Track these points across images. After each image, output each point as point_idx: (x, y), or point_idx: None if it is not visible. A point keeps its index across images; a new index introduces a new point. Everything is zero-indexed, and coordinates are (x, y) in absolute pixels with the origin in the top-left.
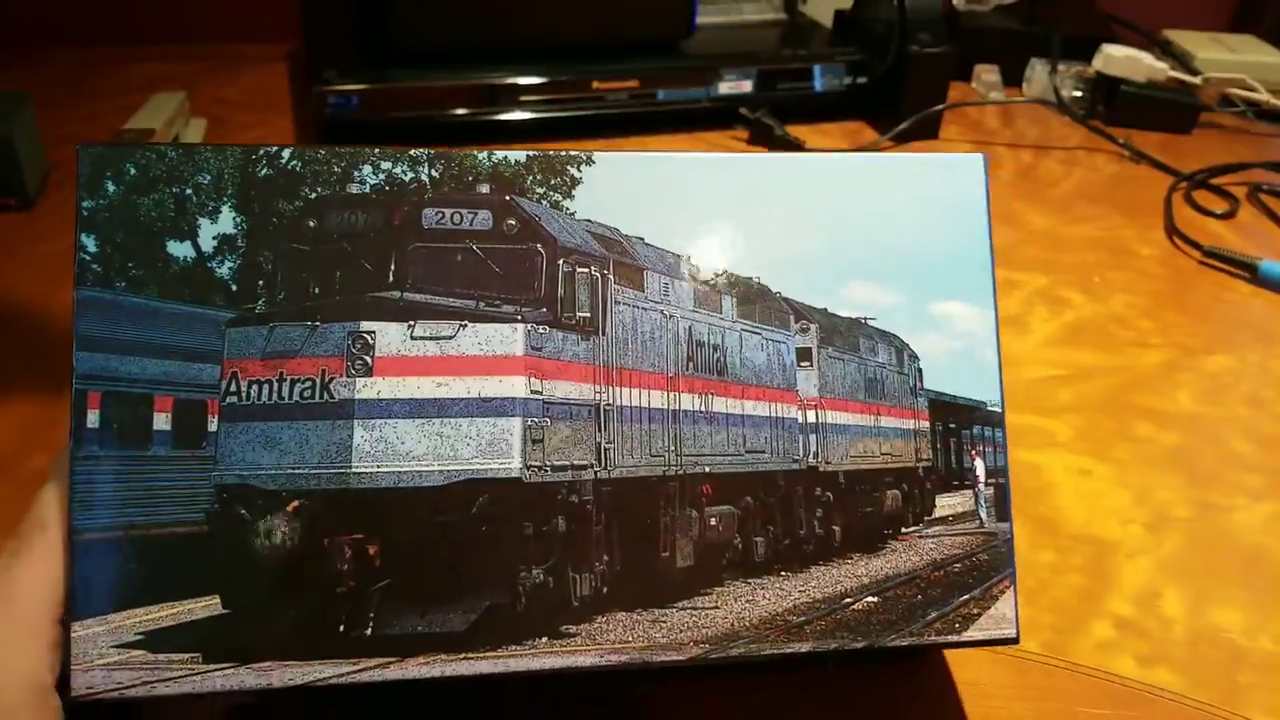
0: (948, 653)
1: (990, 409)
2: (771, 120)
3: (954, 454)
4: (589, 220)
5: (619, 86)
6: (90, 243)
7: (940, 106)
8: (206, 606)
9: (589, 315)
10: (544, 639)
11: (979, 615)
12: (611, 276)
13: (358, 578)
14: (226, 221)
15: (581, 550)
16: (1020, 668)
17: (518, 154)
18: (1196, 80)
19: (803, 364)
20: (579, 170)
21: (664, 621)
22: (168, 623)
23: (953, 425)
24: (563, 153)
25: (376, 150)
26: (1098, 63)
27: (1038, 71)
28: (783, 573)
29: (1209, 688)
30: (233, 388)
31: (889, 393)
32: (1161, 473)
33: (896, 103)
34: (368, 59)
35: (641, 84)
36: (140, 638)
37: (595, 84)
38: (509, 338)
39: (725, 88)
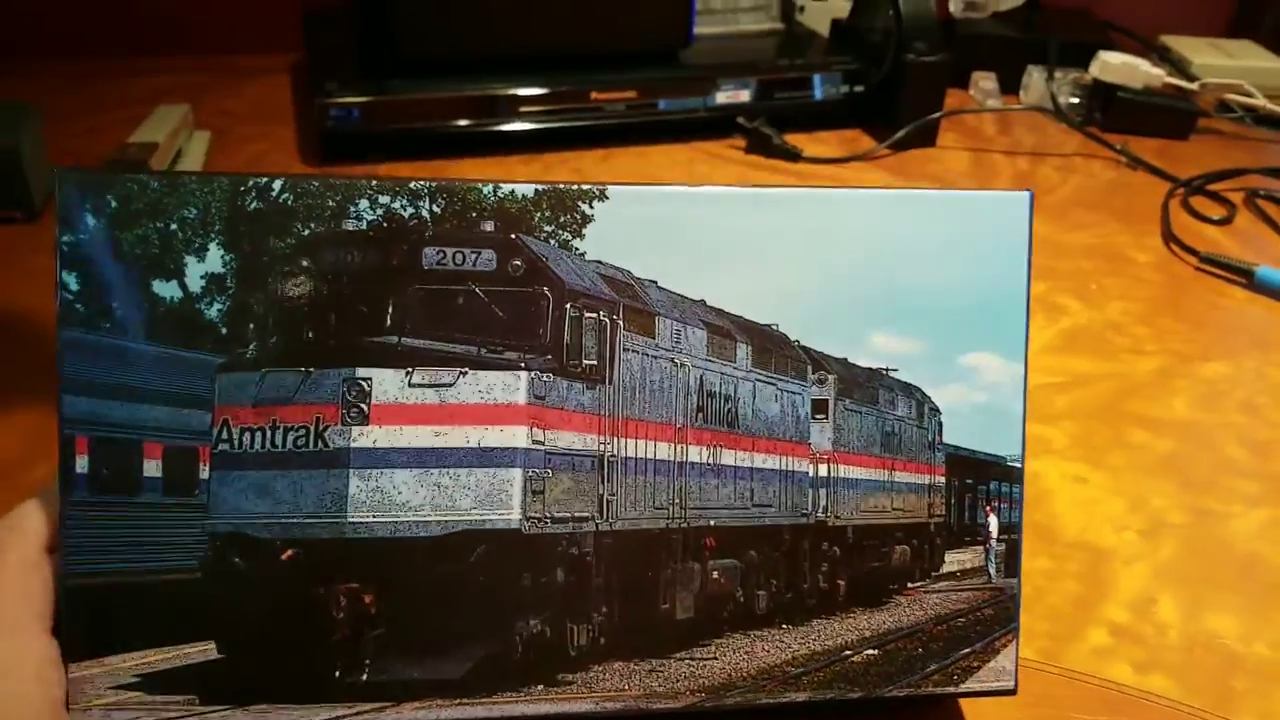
0: None
1: (1010, 464)
2: (769, 129)
3: (968, 509)
4: (599, 261)
5: (617, 97)
6: (72, 281)
7: (937, 114)
8: (202, 651)
9: (596, 364)
10: (540, 686)
11: (978, 668)
12: (621, 322)
13: (353, 626)
14: (214, 259)
15: (580, 601)
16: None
17: (525, 188)
18: (1193, 86)
19: (818, 416)
20: (590, 206)
21: (661, 671)
22: (164, 666)
23: (969, 481)
24: (574, 187)
25: (374, 182)
26: (1094, 69)
27: (1035, 78)
28: (784, 625)
29: (1204, 694)
30: (224, 435)
31: (906, 447)
32: (1157, 479)
33: (894, 111)
34: (369, 70)
35: (640, 94)
36: (137, 680)
37: (594, 94)
38: (511, 386)
39: (723, 97)
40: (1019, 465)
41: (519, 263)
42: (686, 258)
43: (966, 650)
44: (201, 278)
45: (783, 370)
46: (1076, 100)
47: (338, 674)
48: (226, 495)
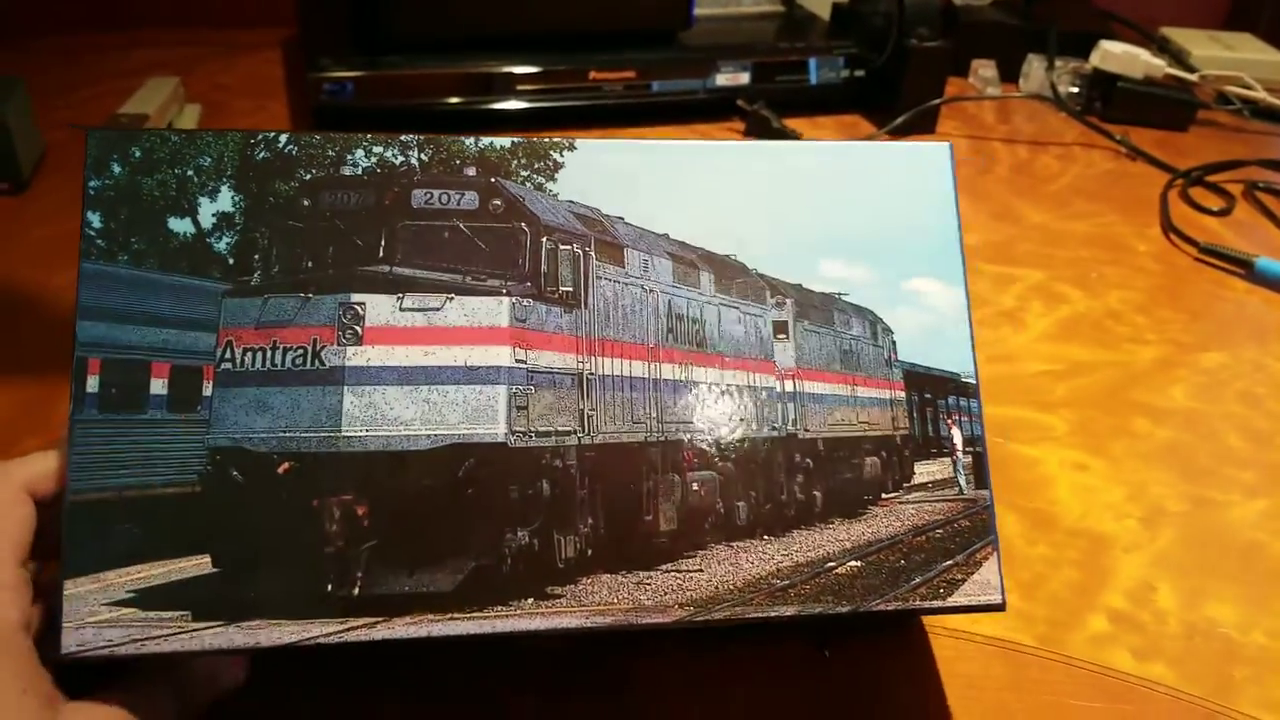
0: (941, 645)
1: (964, 380)
2: (769, 112)
3: (931, 423)
4: (571, 201)
5: (615, 77)
6: (95, 219)
7: (937, 101)
8: (197, 565)
9: (571, 290)
10: (529, 600)
11: (963, 581)
12: (593, 254)
13: (346, 538)
14: (225, 200)
15: (566, 514)
16: (1015, 661)
17: (503, 140)
18: (1193, 77)
19: (779, 336)
20: (561, 155)
21: (648, 584)
22: (158, 581)
23: (928, 395)
24: (546, 139)
25: (369, 136)
26: (1095, 59)
27: (1035, 67)
28: (765, 536)
29: (1203, 682)
30: (228, 355)
31: (864, 364)
32: (1157, 468)
33: (893, 97)
34: (363, 46)
35: (638, 75)
36: (131, 595)
37: (592, 74)
38: (494, 310)
39: (722, 79)
40: (973, 381)
41: (499, 202)
42: (649, 200)
43: (949, 562)
44: (213, 215)
45: (744, 295)
46: (1076, 90)
47: (330, 588)
48: (228, 411)
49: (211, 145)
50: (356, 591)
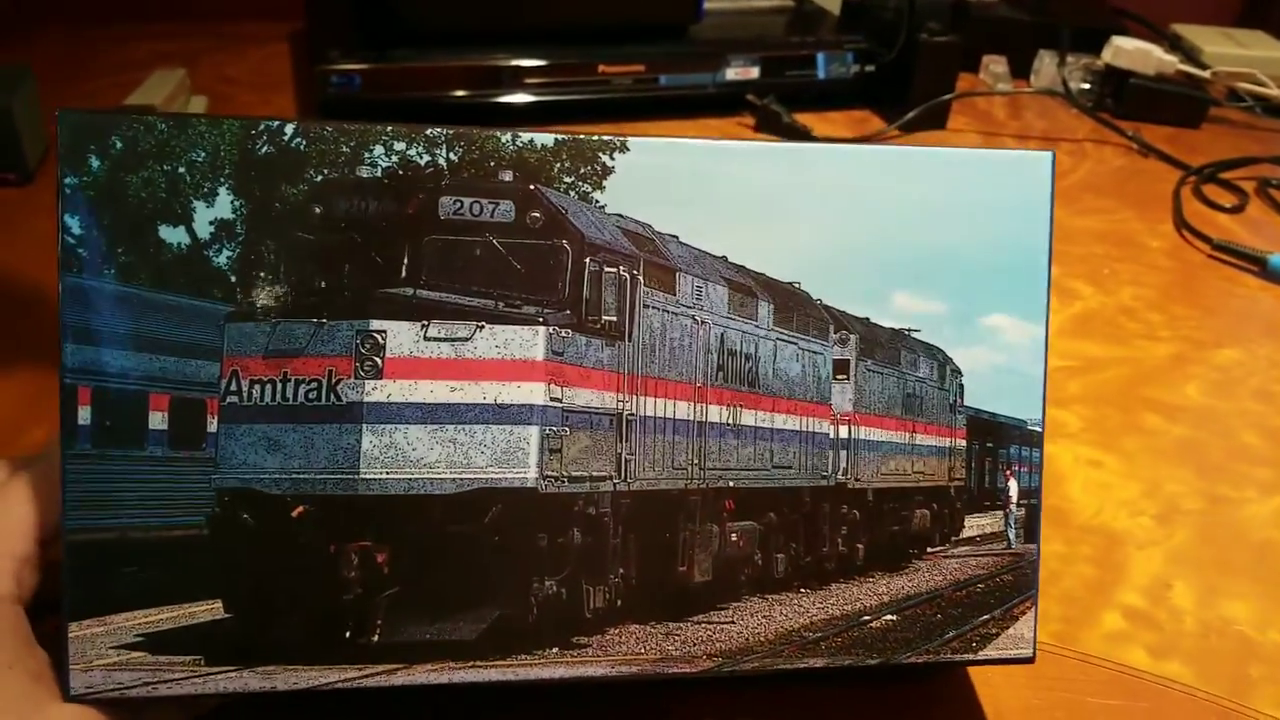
0: None
1: (1031, 428)
2: (779, 107)
3: (988, 473)
4: (620, 215)
5: (624, 71)
6: (75, 224)
7: (948, 96)
8: (208, 610)
9: (615, 319)
10: (555, 649)
11: (996, 635)
12: (641, 278)
13: (365, 585)
14: (224, 205)
15: (596, 563)
16: None
17: (544, 137)
18: (1205, 74)
19: (839, 377)
20: (611, 158)
21: (678, 635)
22: (168, 625)
23: (989, 445)
24: (594, 138)
25: (389, 129)
26: (1107, 55)
27: (1046, 63)
28: (802, 589)
29: (1219, 680)
30: (233, 387)
31: (927, 409)
32: (1171, 465)
33: (904, 92)
34: (371, 39)
35: (647, 69)
36: (140, 639)
37: (601, 68)
38: (529, 341)
39: (732, 74)
40: (1039, 429)
41: (538, 214)
42: (708, 213)
43: (985, 617)
44: (210, 223)
45: (804, 329)
46: (1087, 86)
47: (348, 634)
48: (236, 450)
49: (206, 136)
50: (376, 639)
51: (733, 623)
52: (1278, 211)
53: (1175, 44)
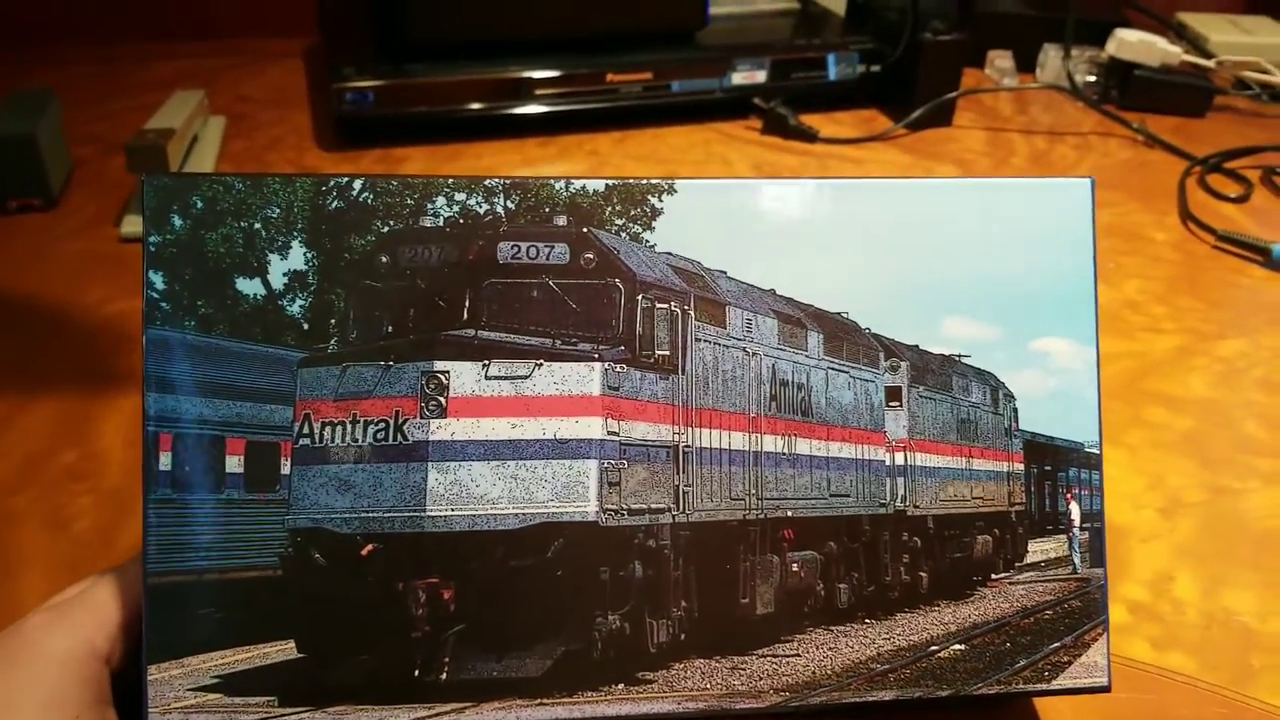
0: None
1: (1088, 450)
2: (785, 110)
3: (1048, 497)
4: (669, 253)
5: (633, 78)
6: (158, 280)
7: (954, 93)
8: (281, 650)
9: (668, 353)
10: (620, 685)
11: (1069, 663)
12: (692, 313)
13: (432, 622)
14: (297, 257)
15: (659, 596)
16: None
17: (595, 183)
18: (1210, 64)
19: (892, 404)
20: (659, 200)
21: (743, 669)
22: (242, 666)
23: (1048, 468)
24: (643, 181)
25: (450, 180)
26: (1111, 47)
27: (1051, 57)
28: (867, 620)
29: (1222, 671)
30: (305, 429)
31: (982, 434)
32: (1175, 457)
33: (910, 90)
34: (384, 54)
35: (655, 75)
36: (216, 681)
37: (609, 76)
38: (586, 377)
39: (739, 78)
40: (1097, 451)
41: (591, 255)
42: (755, 248)
43: (1056, 644)
44: (284, 275)
45: (855, 358)
46: (1093, 79)
47: (417, 673)
48: (307, 490)
49: (279, 194)
50: (444, 676)
51: (798, 655)
52: None
53: (1180, 33)
